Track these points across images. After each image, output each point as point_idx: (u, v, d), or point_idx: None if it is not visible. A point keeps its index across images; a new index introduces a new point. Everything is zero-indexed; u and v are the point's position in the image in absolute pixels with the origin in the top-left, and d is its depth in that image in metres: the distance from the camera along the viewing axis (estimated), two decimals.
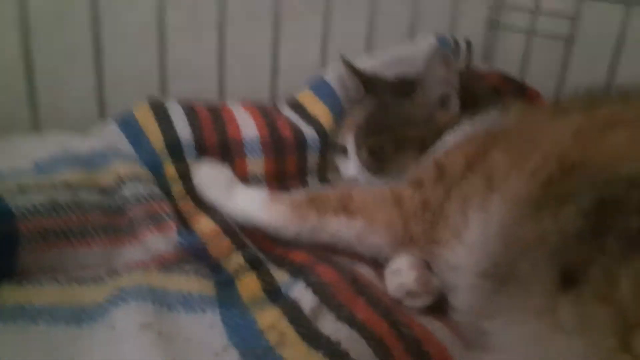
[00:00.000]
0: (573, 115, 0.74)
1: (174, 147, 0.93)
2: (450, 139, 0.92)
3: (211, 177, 0.90)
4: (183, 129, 0.95)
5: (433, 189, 0.82)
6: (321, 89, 1.13)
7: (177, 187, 0.90)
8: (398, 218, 0.81)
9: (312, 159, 1.07)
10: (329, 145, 1.08)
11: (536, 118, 0.81)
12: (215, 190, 0.89)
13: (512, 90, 1.17)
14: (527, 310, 0.54)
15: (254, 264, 0.78)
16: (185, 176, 0.91)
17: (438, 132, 0.95)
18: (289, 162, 1.04)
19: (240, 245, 0.81)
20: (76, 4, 0.99)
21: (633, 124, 0.67)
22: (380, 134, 0.97)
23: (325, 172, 1.09)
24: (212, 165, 0.92)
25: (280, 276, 0.77)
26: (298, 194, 0.88)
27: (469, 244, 0.73)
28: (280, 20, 1.16)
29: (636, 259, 0.47)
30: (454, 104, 0.97)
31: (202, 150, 0.95)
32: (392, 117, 0.98)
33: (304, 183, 1.06)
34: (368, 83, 1.09)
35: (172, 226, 0.82)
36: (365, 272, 0.79)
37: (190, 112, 0.98)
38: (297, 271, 0.76)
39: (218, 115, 1.00)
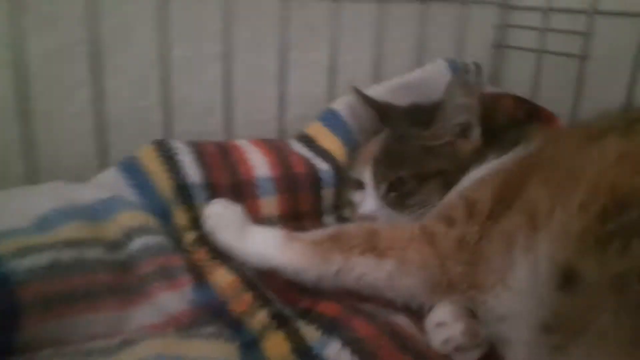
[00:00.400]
0: (611, 138, 0.69)
1: (183, 191, 0.86)
2: (477, 172, 0.87)
3: (223, 219, 0.83)
4: (192, 170, 0.88)
5: (467, 226, 0.76)
6: (332, 120, 1.07)
7: (188, 236, 0.83)
8: (433, 257, 0.74)
9: (328, 196, 1.00)
10: (342, 180, 1.02)
11: (569, 144, 0.76)
12: (227, 232, 0.81)
13: (526, 112, 1.12)
14: None
15: (281, 321, 0.71)
16: (197, 223, 0.84)
17: (463, 165, 0.89)
18: (304, 201, 0.97)
19: (263, 300, 0.73)
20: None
21: None
22: (402, 167, 0.92)
23: (341, 209, 1.02)
24: (223, 205, 0.85)
25: (311, 334, 0.69)
26: (319, 232, 0.82)
27: (517, 289, 0.67)
28: (287, 51, 1.11)
29: None
30: (476, 132, 0.92)
31: (213, 192, 0.89)
32: (413, 149, 0.93)
33: (319, 223, 0.99)
34: (382, 112, 1.03)
35: (186, 281, 0.75)
36: (403, 323, 0.72)
37: (198, 151, 0.91)
38: (330, 327, 0.69)
39: (228, 154, 0.94)
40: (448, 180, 0.89)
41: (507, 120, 0.97)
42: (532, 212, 0.68)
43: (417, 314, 0.76)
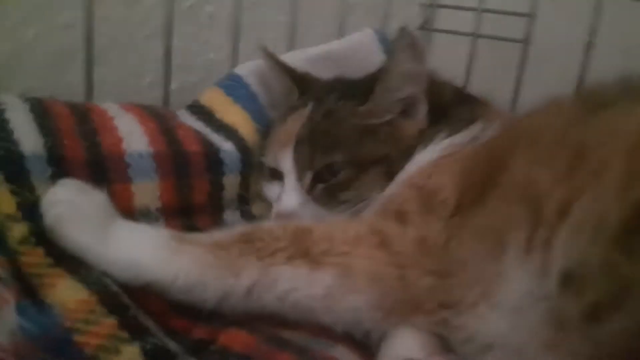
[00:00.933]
0: (628, 108, 0.53)
1: (9, 163, 0.57)
2: (423, 156, 0.69)
3: (75, 208, 0.55)
4: (27, 135, 0.59)
5: (427, 223, 0.57)
6: (236, 88, 0.82)
7: (16, 230, 0.54)
8: (388, 266, 0.53)
9: (231, 184, 0.75)
10: (251, 166, 0.78)
11: (563, 118, 0.59)
12: (81, 228, 0.54)
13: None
14: None
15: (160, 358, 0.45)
16: (32, 212, 0.55)
17: (407, 149, 0.71)
18: (198, 189, 0.71)
19: (134, 329, 0.47)
20: None
21: None
22: (333, 151, 0.70)
23: (249, 204, 0.78)
24: (77, 189, 0.57)
25: None
26: (222, 232, 0.58)
27: (510, 308, 0.48)
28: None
29: None
30: (423, 110, 0.74)
31: (61, 170, 0.60)
32: (346, 129, 0.72)
33: (219, 221, 0.74)
34: (301, 82, 0.81)
35: (8, 299, 0.47)
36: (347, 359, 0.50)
37: (41, 111, 0.63)
38: None
39: (86, 118, 0.66)
40: (390, 168, 0.70)
41: (454, 100, 0.79)
42: (532, 201, 0.49)
43: (362, 345, 0.54)
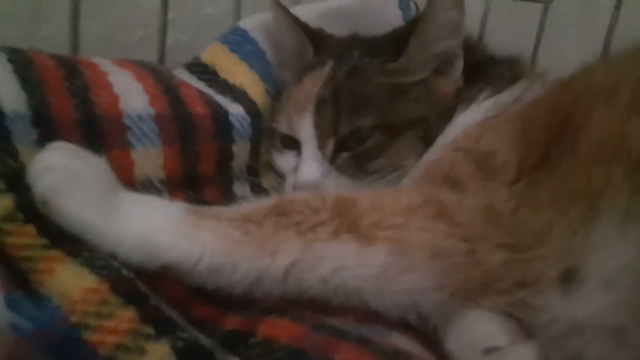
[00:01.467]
0: None
1: None
2: (468, 118, 0.61)
3: (72, 177, 0.45)
4: (9, 91, 0.49)
5: (486, 190, 0.50)
6: (241, 43, 0.72)
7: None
8: (452, 239, 0.45)
9: (241, 152, 0.66)
10: (262, 133, 0.69)
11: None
12: (82, 201, 0.44)
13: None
14: None
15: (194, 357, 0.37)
16: (16, 179, 0.45)
17: (446, 110, 0.63)
18: (205, 157, 0.62)
19: (159, 323, 0.38)
20: None
21: None
22: (360, 115, 0.62)
23: (258, 176, 0.69)
24: (73, 153, 0.47)
25: None
26: (248, 206, 0.49)
27: (606, 280, 0.41)
28: None
29: None
30: (459, 67, 0.66)
31: (49, 133, 0.50)
32: (374, 88, 0.63)
33: (227, 194, 0.65)
34: (317, 39, 0.73)
35: None
36: (412, 349, 0.42)
37: (24, 63, 0.52)
38: None
39: (76, 72, 0.55)
40: (428, 132, 0.62)
41: (489, 57, 0.72)
42: (627, 159, 0.42)
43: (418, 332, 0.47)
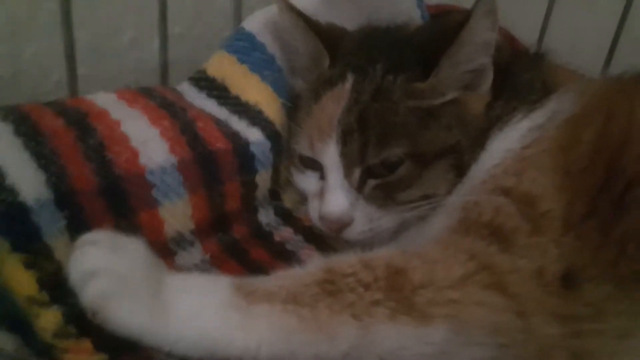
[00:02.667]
0: None
1: (12, 221, 0.43)
2: (502, 146, 0.58)
3: (119, 278, 0.43)
4: (24, 173, 0.45)
5: (539, 247, 0.49)
6: (248, 51, 0.67)
7: (46, 318, 0.42)
8: (507, 313, 0.46)
9: (264, 181, 0.64)
10: (282, 152, 0.66)
11: None
12: (133, 305, 0.42)
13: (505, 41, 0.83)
14: None
15: None
16: (58, 285, 0.43)
17: (479, 134, 0.60)
18: (231, 195, 0.60)
19: None
20: None
21: None
22: (389, 142, 0.59)
23: (281, 199, 0.67)
24: (112, 247, 0.45)
25: None
26: (295, 277, 0.48)
27: None
28: None
29: None
30: (488, 79, 0.62)
31: (74, 209, 0.48)
32: (404, 114, 0.59)
33: (254, 225, 0.63)
34: (332, 43, 0.66)
35: None
36: None
37: (30, 131, 0.48)
38: None
39: (85, 127, 0.51)
40: (461, 161, 0.60)
41: (513, 58, 0.68)
42: None
43: None
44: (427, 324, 0.45)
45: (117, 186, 0.51)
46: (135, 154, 0.53)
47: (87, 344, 0.42)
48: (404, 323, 0.45)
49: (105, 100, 0.56)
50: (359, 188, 0.60)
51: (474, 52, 0.60)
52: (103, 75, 0.71)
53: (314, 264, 0.50)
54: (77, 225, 0.48)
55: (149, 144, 0.54)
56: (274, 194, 0.67)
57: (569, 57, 0.76)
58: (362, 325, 0.44)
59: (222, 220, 0.60)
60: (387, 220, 0.60)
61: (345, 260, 0.49)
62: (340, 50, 0.66)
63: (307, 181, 0.65)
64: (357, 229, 0.59)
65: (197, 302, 0.45)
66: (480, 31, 0.58)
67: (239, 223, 0.62)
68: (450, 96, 0.61)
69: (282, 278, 0.48)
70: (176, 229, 0.55)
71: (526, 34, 0.90)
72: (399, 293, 0.46)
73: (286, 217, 0.67)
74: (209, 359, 0.43)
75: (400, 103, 0.59)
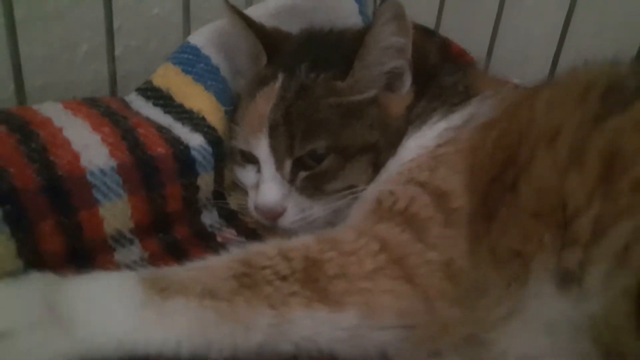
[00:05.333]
0: None
1: None
2: (419, 143, 0.65)
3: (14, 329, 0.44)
4: None
5: (449, 239, 0.55)
6: (193, 63, 0.73)
7: None
8: (414, 299, 0.52)
9: (206, 184, 0.70)
10: (224, 158, 0.72)
11: (579, 113, 0.55)
12: (37, 338, 0.44)
13: (436, 48, 0.89)
14: None
15: None
16: None
17: (397, 133, 0.67)
18: (172, 198, 0.66)
19: None
20: None
21: None
22: (315, 136, 0.65)
23: (225, 199, 0.73)
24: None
25: None
26: (211, 271, 0.51)
27: (545, 325, 0.48)
28: None
29: None
30: (407, 82, 0.69)
31: (14, 205, 0.53)
32: (325, 108, 0.66)
33: (196, 225, 0.69)
34: (271, 43, 0.73)
35: None
36: None
37: None
38: None
39: (28, 133, 0.57)
40: (378, 158, 0.67)
41: (440, 62, 0.75)
42: (559, 216, 0.48)
43: None
44: (340, 310, 0.50)
45: (58, 186, 0.56)
46: (76, 157, 0.58)
47: None
48: (319, 310, 0.50)
49: (50, 109, 0.62)
50: (291, 180, 0.67)
51: (383, 55, 0.66)
52: (60, 86, 0.77)
53: (231, 254, 0.54)
54: (19, 221, 0.53)
55: (90, 148, 0.60)
56: (219, 196, 0.72)
57: (518, 66, 0.82)
58: (278, 314, 0.49)
59: (164, 220, 0.65)
60: (317, 209, 0.66)
61: (263, 252, 0.53)
62: (277, 50, 0.73)
63: (246, 175, 0.71)
64: (290, 218, 0.66)
65: (104, 308, 0.46)
66: (384, 36, 0.65)
67: (181, 224, 0.67)
68: (368, 94, 0.67)
69: (197, 269, 0.52)
70: (116, 227, 0.60)
71: (477, 45, 0.98)
72: (315, 284, 0.51)
73: (230, 218, 0.72)
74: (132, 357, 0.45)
75: (322, 100, 0.66)
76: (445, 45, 0.94)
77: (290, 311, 0.49)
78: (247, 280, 0.50)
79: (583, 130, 0.52)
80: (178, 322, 0.47)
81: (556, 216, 0.49)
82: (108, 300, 0.47)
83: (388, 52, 0.66)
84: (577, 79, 0.61)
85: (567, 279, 0.47)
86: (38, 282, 0.48)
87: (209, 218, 0.70)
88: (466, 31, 1.00)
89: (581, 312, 0.46)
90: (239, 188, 0.74)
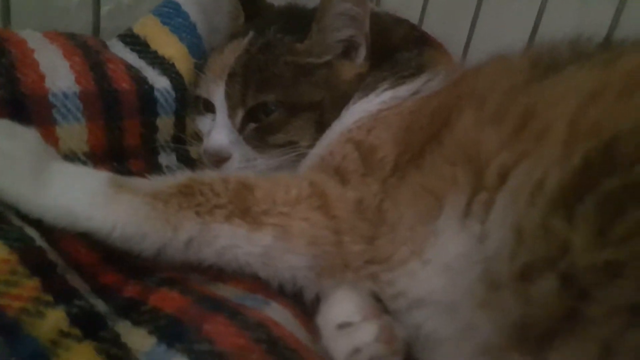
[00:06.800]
0: (577, 71, 0.55)
1: None
2: (363, 106, 0.70)
3: (5, 151, 0.54)
4: None
5: (364, 184, 0.60)
6: (172, 16, 0.80)
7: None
8: (327, 231, 0.56)
9: (166, 125, 0.75)
10: (188, 104, 0.77)
11: (514, 78, 0.60)
12: (13, 173, 0.53)
13: (416, 40, 0.95)
14: None
15: (89, 326, 0.47)
16: None
17: (343, 96, 0.72)
18: (130, 132, 0.71)
19: (60, 291, 0.48)
20: None
21: None
22: (266, 89, 0.71)
23: (185, 144, 0.78)
24: (6, 129, 0.56)
25: (139, 341, 0.48)
26: (162, 180, 0.59)
27: (445, 264, 0.51)
28: None
29: None
30: (362, 53, 0.74)
31: None
32: (281, 66, 0.72)
33: (154, 165, 0.74)
34: (251, 6, 0.80)
35: None
36: (281, 318, 0.53)
37: None
38: (170, 331, 0.48)
39: (1, 50, 0.63)
40: (322, 117, 0.72)
41: (402, 43, 0.79)
42: (475, 164, 0.52)
43: (297, 299, 0.58)
44: (258, 229, 0.55)
45: (20, 102, 0.62)
46: (41, 77, 0.64)
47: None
48: (238, 225, 0.55)
49: (28, 35, 0.67)
50: (240, 129, 0.72)
51: (336, 20, 0.71)
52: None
53: (184, 174, 0.60)
54: None
55: (57, 72, 0.65)
56: (179, 141, 0.78)
57: None
58: (203, 222, 0.55)
59: (119, 152, 0.70)
60: (261, 162, 0.72)
61: (209, 174, 0.60)
62: (257, 13, 0.80)
63: (204, 122, 0.77)
64: (235, 165, 0.71)
65: (72, 183, 0.55)
66: (337, 3, 0.70)
67: (137, 158, 0.72)
68: (324, 59, 0.72)
69: (153, 180, 0.59)
70: (70, 148, 0.65)
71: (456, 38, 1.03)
72: (241, 202, 0.56)
73: (188, 164, 0.77)
74: (69, 229, 0.53)
75: (281, 57, 0.71)
76: (425, 39, 0.98)
77: (213, 221, 0.55)
78: (185, 190, 0.57)
79: (511, 94, 0.56)
80: (119, 210, 0.54)
81: (471, 165, 0.53)
82: (78, 182, 0.56)
83: (342, 18, 0.71)
84: (519, 53, 0.65)
85: (473, 219, 0.50)
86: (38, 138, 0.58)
87: (166, 160, 0.76)
88: (448, 28, 1.05)
89: (479, 252, 0.49)
90: (200, 139, 0.79)
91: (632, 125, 0.44)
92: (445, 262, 0.51)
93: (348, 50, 0.73)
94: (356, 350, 0.51)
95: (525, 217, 0.45)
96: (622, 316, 0.39)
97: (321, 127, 0.70)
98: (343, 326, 0.53)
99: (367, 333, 0.51)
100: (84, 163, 0.67)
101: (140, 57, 0.76)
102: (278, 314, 0.54)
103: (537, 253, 0.44)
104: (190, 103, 0.77)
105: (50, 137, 0.64)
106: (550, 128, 0.48)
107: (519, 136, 0.51)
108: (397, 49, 0.75)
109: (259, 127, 0.71)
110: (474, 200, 0.51)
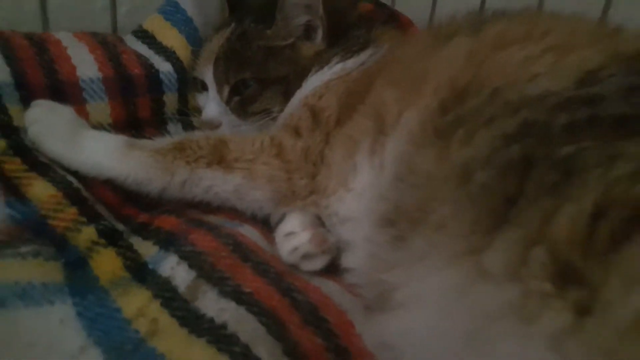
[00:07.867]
0: (459, 39, 0.73)
1: None
2: (318, 78, 0.88)
3: (49, 125, 0.77)
4: None
5: (311, 137, 0.79)
6: (172, 13, 1.01)
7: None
8: (280, 171, 0.77)
9: (171, 101, 0.97)
10: (189, 83, 0.99)
11: (418, 46, 0.80)
12: (56, 139, 0.76)
13: (384, 18, 1.13)
14: (444, 258, 0.52)
15: (111, 238, 0.69)
16: (8, 129, 0.77)
17: (303, 70, 0.90)
18: (142, 106, 0.93)
19: (91, 215, 0.71)
20: None
21: (524, 41, 0.66)
22: (244, 69, 0.90)
23: (188, 116, 0.99)
24: (49, 107, 0.79)
25: (146, 249, 0.69)
26: (163, 141, 0.80)
27: (359, 191, 0.72)
28: None
29: (569, 191, 0.45)
30: (319, 35, 0.92)
31: (28, 94, 0.81)
32: (255, 49, 0.91)
33: (163, 132, 0.95)
34: (234, 2, 1.00)
35: None
36: (249, 233, 0.74)
37: (4, 44, 0.82)
38: (167, 241, 0.69)
39: (43, 49, 0.85)
40: (288, 88, 0.90)
41: (359, 21, 0.98)
42: (379, 116, 0.71)
43: (264, 224, 0.79)
44: (230, 172, 0.76)
45: (58, 87, 0.84)
46: (74, 68, 0.86)
47: (17, 159, 0.73)
48: (216, 170, 0.76)
49: (62, 35, 0.89)
50: (227, 102, 0.92)
51: (294, 9, 0.89)
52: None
53: (181, 135, 0.82)
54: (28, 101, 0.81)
55: (85, 63, 0.87)
56: (183, 113, 0.99)
57: None
58: (191, 168, 0.76)
59: (136, 122, 0.92)
60: (244, 128, 0.91)
61: (198, 134, 0.81)
62: (239, 7, 0.99)
63: (202, 98, 0.97)
64: (226, 131, 0.91)
65: (98, 145, 0.77)
66: None
67: (150, 127, 0.94)
68: (288, 41, 0.91)
69: (157, 140, 0.80)
70: (98, 121, 0.87)
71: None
72: (218, 152, 0.77)
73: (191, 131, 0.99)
74: (98, 177, 0.76)
75: (254, 42, 0.90)
76: (394, 15, 1.16)
77: (198, 167, 0.76)
78: (179, 146, 0.77)
79: (412, 61, 0.75)
80: (132, 162, 0.76)
81: (377, 118, 0.72)
82: (102, 144, 0.77)
83: (297, 7, 0.89)
84: (428, 27, 0.83)
85: (376, 156, 0.70)
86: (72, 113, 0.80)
87: (174, 129, 0.97)
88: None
89: (380, 180, 0.68)
90: (201, 112, 1.00)
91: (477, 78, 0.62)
92: (359, 189, 0.71)
93: (308, 31, 0.91)
94: (295, 249, 0.71)
95: (405, 152, 0.64)
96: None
97: (287, 96, 0.89)
98: (288, 235, 0.73)
99: (303, 237, 0.71)
100: (109, 132, 0.89)
101: (149, 48, 0.98)
102: (248, 231, 0.74)
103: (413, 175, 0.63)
104: (190, 83, 0.98)
105: (82, 112, 0.86)
106: (427, 85, 0.67)
107: (410, 94, 0.69)
108: (351, 27, 0.93)
109: (240, 99, 0.91)
110: (376, 142, 0.70)
